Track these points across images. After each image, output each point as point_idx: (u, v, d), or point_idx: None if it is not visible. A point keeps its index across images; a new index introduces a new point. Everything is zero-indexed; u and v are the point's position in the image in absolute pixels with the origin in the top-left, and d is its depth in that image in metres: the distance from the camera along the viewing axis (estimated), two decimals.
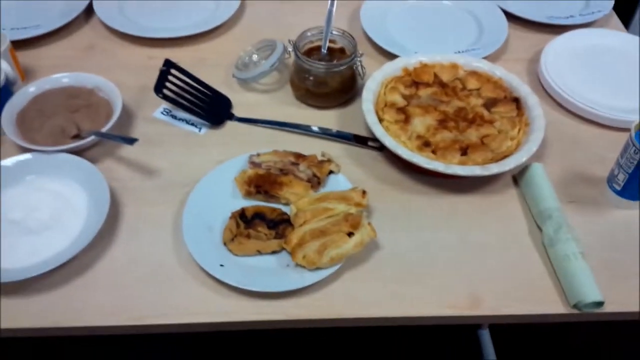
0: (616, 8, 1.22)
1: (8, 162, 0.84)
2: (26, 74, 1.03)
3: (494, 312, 0.74)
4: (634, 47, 1.09)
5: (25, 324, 0.71)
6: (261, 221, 0.80)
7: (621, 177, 0.82)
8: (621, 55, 1.08)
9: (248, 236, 0.78)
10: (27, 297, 0.73)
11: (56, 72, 0.98)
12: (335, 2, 0.99)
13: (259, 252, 0.77)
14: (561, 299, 0.75)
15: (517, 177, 0.88)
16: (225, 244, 0.78)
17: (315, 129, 0.96)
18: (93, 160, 0.89)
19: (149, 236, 0.80)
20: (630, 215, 0.85)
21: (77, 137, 0.90)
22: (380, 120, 0.91)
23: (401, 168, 0.90)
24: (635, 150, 0.78)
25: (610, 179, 0.85)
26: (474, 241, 0.81)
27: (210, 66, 1.07)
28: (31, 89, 0.94)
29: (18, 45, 1.06)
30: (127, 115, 0.97)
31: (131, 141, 0.85)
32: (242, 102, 1.01)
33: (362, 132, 0.95)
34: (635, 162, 0.79)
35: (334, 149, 0.93)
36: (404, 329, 1.52)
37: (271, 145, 0.91)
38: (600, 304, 0.72)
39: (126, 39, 1.12)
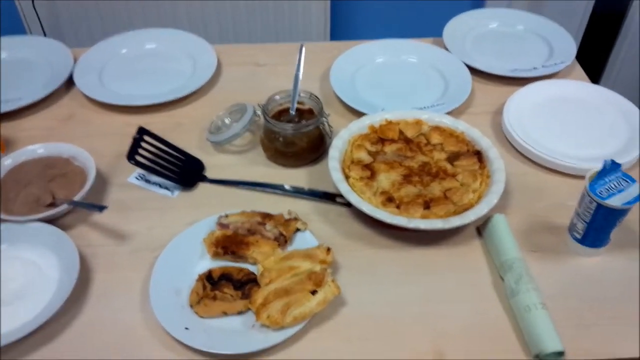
0: (587, 61, 1.25)
1: None
2: (8, 145, 1.06)
3: None
4: (594, 96, 1.12)
5: None
6: (227, 282, 0.81)
7: (580, 226, 0.84)
8: (582, 104, 1.11)
9: (214, 298, 0.79)
10: None
11: (37, 142, 1.02)
12: (302, 66, 1.03)
13: (225, 314, 0.78)
14: (524, 349, 0.75)
15: (481, 228, 0.90)
16: (191, 306, 0.79)
17: (287, 187, 0.98)
18: (67, 227, 0.91)
19: (117, 301, 0.82)
20: (591, 262, 0.86)
21: (52, 205, 0.92)
22: (347, 177, 0.93)
23: (368, 223, 0.92)
24: (590, 199, 0.80)
25: (571, 228, 0.86)
26: (438, 294, 0.82)
27: (185, 130, 1.11)
28: (7, 162, 0.97)
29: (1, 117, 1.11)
30: (102, 182, 1.00)
31: (101, 208, 0.88)
32: (216, 164, 1.04)
33: (332, 190, 0.97)
34: (592, 211, 0.80)
35: (304, 207, 0.95)
36: None
37: (243, 205, 0.93)
38: (561, 353, 0.73)
39: (104, 107, 1.16)
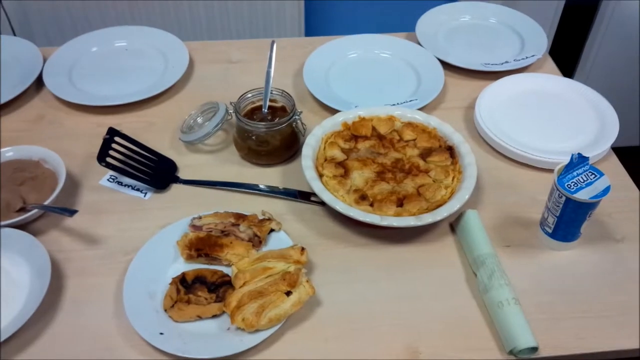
0: (561, 54, 1.26)
1: None
2: None
3: None
4: (565, 90, 1.13)
5: None
6: (202, 285, 0.81)
7: (551, 220, 0.85)
8: (553, 98, 1.12)
9: (188, 301, 0.79)
10: None
11: (6, 145, 1.00)
12: (274, 63, 1.03)
13: (199, 317, 0.78)
14: (498, 345, 0.76)
15: (454, 224, 0.90)
16: (165, 311, 0.79)
17: (262, 187, 0.98)
18: (39, 232, 0.90)
19: (91, 307, 0.81)
20: (563, 256, 0.87)
21: (23, 210, 0.91)
22: (321, 175, 0.93)
23: (342, 222, 0.92)
24: (559, 194, 0.81)
25: (542, 222, 0.87)
26: (412, 290, 0.83)
27: (158, 130, 1.10)
28: None
29: None
30: (73, 185, 0.99)
31: (71, 212, 0.86)
32: (189, 164, 1.03)
33: (306, 188, 0.97)
34: (561, 205, 0.81)
35: (279, 206, 0.95)
36: None
37: (216, 206, 0.92)
38: (534, 349, 0.74)
39: (75, 107, 1.14)
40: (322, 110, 1.13)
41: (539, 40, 1.26)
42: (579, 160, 0.81)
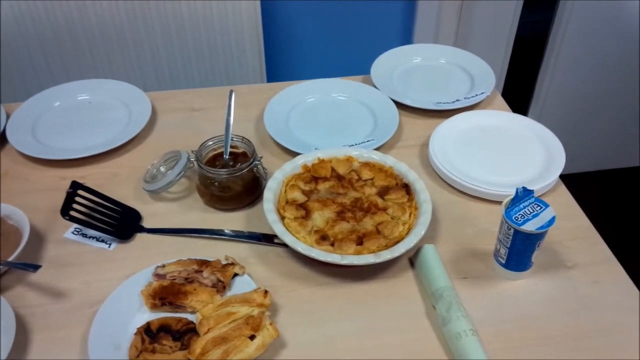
0: (515, 89, 1.31)
1: None
2: None
3: None
4: (513, 124, 1.18)
5: None
6: (166, 334, 0.82)
7: (503, 251, 0.88)
8: (502, 133, 1.17)
9: (153, 351, 0.80)
10: None
11: None
12: (232, 111, 1.06)
13: None
14: None
15: (413, 259, 0.93)
16: None
17: (227, 231, 1.00)
18: (4, 288, 0.91)
19: None
20: (517, 285, 0.90)
21: None
22: (283, 217, 0.96)
23: (305, 262, 0.95)
24: (508, 226, 0.84)
25: (496, 253, 0.91)
26: (374, 326, 0.85)
27: (122, 180, 1.11)
28: None
29: None
30: (38, 239, 0.99)
31: (35, 268, 0.87)
32: (154, 213, 1.05)
33: (270, 231, 0.99)
34: (511, 237, 0.85)
35: (243, 250, 0.97)
36: None
37: (181, 253, 0.94)
38: None
39: (39, 162, 1.15)
40: (284, 154, 1.16)
41: (488, 78, 1.32)
42: (524, 194, 0.85)
